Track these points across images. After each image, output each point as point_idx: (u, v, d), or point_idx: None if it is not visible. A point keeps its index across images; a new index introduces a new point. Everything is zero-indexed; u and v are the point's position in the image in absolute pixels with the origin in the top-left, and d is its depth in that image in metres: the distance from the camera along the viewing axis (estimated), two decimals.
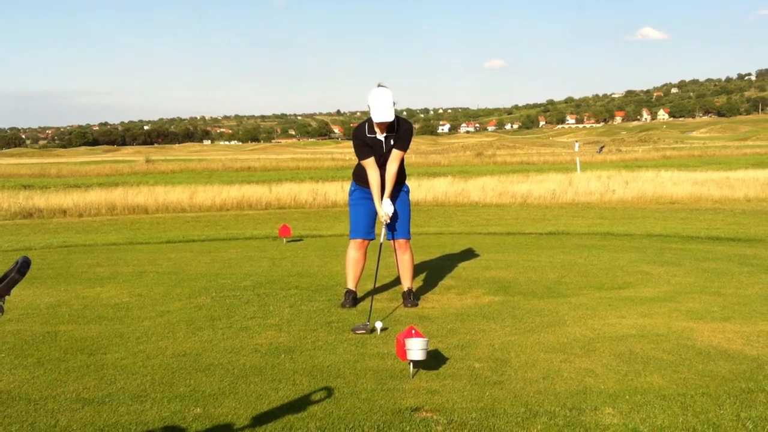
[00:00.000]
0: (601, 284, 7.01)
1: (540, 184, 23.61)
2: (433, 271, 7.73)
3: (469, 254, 9.06)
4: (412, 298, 6.21)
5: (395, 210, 6.16)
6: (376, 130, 6.02)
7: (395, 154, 6.04)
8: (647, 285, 6.94)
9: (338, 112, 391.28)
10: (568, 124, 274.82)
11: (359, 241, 6.27)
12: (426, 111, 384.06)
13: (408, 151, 6.32)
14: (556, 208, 18.66)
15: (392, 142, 6.03)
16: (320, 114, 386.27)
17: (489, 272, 7.68)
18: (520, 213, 17.42)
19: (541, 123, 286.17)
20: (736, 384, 3.95)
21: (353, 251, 6.27)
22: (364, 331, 5.19)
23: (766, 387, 3.88)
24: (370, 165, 6.04)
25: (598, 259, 8.54)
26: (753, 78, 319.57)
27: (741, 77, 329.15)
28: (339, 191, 21.45)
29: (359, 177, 6.25)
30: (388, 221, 6.08)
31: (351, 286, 6.25)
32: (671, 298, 6.28)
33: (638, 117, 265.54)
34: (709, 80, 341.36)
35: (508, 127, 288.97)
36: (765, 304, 5.96)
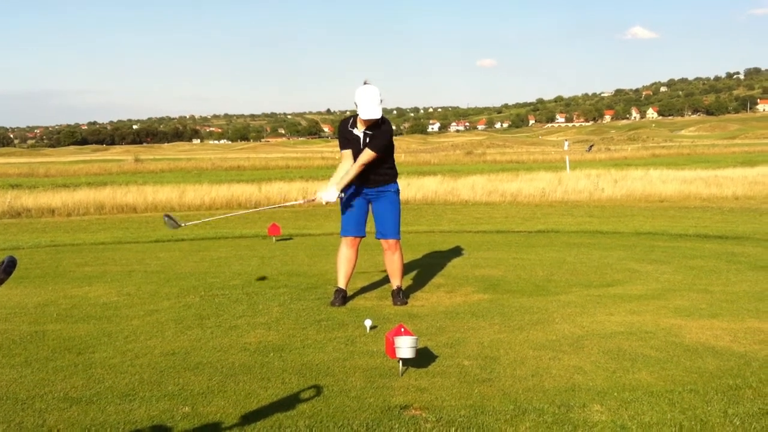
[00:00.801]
0: (589, 282, 7.03)
1: (529, 182, 23.66)
2: (422, 270, 7.74)
3: (458, 252, 9.07)
4: (401, 296, 6.21)
5: (384, 210, 6.17)
6: (358, 125, 6.04)
7: (365, 153, 6.01)
8: (636, 283, 6.97)
9: (328, 110, 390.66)
10: (557, 122, 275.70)
11: (350, 238, 6.27)
12: (416, 110, 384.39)
13: (395, 150, 6.32)
14: (545, 207, 18.70)
15: (367, 141, 6.03)
16: (310, 113, 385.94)
17: (478, 270, 7.69)
18: (509, 211, 17.45)
19: (531, 122, 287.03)
20: (723, 380, 3.97)
21: (344, 249, 6.28)
22: (172, 223, 5.69)
23: (753, 383, 3.91)
24: (346, 156, 6.17)
25: (587, 257, 8.56)
26: (741, 77, 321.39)
27: (729, 76, 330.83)
28: None
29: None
30: (322, 203, 6.16)
31: (341, 284, 6.25)
32: (659, 295, 6.31)
33: (627, 116, 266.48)
34: (698, 79, 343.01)
35: (498, 125, 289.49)
36: (752, 302, 5.99)
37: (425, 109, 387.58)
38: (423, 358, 4.39)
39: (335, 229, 12.88)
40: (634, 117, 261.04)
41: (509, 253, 9.13)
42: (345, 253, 6.27)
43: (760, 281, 6.96)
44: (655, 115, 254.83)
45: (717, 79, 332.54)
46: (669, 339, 4.83)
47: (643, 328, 5.12)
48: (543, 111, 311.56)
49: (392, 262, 6.28)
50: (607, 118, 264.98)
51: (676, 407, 3.58)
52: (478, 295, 6.47)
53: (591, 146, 76.41)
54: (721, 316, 5.48)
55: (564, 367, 4.25)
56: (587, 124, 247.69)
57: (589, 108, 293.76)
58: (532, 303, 6.04)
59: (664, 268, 7.73)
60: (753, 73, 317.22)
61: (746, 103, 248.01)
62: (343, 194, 6.12)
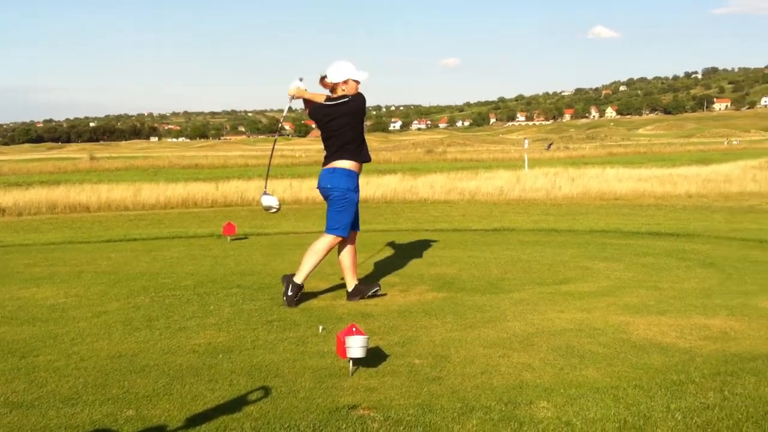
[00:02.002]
0: (542, 280, 7.09)
1: (488, 181, 23.84)
2: (377, 268, 7.73)
3: (415, 251, 9.08)
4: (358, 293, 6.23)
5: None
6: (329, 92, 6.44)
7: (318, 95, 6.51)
8: (587, 280, 7.05)
9: (289, 108, 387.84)
10: (518, 121, 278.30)
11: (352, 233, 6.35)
12: (378, 108, 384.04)
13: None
14: (503, 205, 18.84)
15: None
16: (271, 111, 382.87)
17: (433, 269, 7.71)
18: (467, 210, 17.54)
19: (492, 120, 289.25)
20: (667, 376, 4.02)
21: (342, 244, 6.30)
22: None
23: (696, 378, 3.97)
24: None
25: (541, 255, 8.64)
26: (699, 76, 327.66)
27: (688, 75, 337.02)
28: (287, 189, 21.31)
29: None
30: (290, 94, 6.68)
31: (299, 280, 6.15)
32: (610, 292, 6.39)
33: (587, 114, 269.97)
34: (657, 78, 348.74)
35: (459, 124, 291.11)
36: (700, 298, 6.10)
37: (387, 108, 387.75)
38: (374, 357, 4.37)
39: (291, 228, 12.84)
40: (594, 116, 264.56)
41: (465, 251, 9.16)
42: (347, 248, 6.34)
43: (708, 278, 7.08)
44: (614, 114, 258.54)
45: (675, 78, 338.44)
46: (617, 336, 4.88)
47: (592, 325, 5.18)
48: (504, 110, 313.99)
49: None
50: (567, 116, 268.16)
51: (620, 403, 3.62)
52: (432, 293, 6.48)
53: (550, 145, 77.33)
54: (669, 312, 5.56)
55: (513, 365, 4.27)
56: (547, 122, 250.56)
57: (550, 107, 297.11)
58: (485, 301, 6.06)
59: (615, 266, 7.83)
60: (710, 72, 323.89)
61: (703, 102, 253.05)
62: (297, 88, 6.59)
